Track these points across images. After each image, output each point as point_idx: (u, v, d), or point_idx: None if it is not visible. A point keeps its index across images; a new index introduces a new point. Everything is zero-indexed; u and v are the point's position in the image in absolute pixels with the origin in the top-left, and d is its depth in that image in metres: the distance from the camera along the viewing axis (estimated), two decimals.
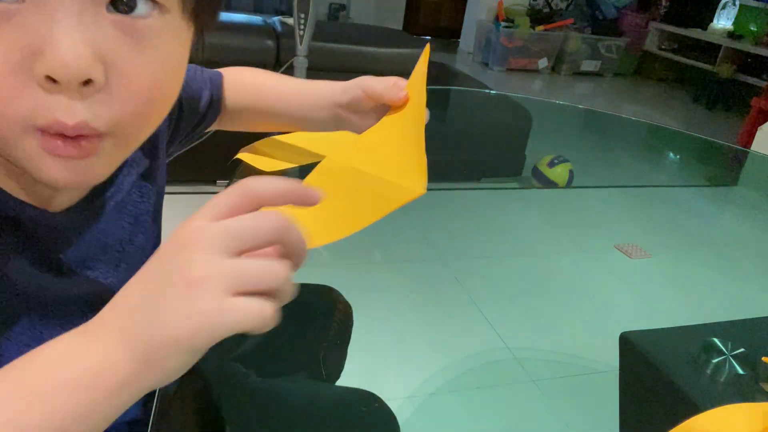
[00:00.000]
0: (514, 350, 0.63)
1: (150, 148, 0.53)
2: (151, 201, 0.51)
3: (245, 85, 0.69)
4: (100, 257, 0.45)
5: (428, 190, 0.47)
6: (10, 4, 0.30)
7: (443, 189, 1.05)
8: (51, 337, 0.36)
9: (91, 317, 0.36)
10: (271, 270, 0.30)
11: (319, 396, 0.52)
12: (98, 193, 0.44)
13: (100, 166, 0.36)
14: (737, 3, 5.36)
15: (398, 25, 6.57)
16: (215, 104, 0.67)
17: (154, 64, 0.35)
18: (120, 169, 0.47)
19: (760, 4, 5.18)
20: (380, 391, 0.53)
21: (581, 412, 0.57)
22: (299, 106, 0.66)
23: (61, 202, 0.41)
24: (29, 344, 0.41)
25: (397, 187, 0.51)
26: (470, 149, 1.35)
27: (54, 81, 0.31)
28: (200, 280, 0.29)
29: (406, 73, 0.57)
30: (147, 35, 0.34)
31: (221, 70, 0.71)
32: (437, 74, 2.63)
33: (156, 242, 0.55)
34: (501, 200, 1.08)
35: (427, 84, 0.56)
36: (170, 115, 0.56)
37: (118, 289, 0.36)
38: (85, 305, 0.44)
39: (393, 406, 0.52)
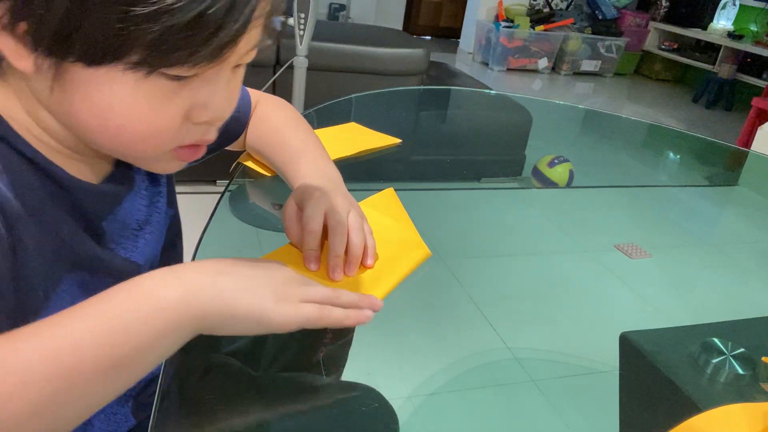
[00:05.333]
0: (514, 350, 0.63)
1: None
2: (162, 182, 0.60)
3: (265, 126, 0.75)
4: (122, 234, 0.54)
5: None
6: (188, 76, 0.41)
7: (443, 189, 1.05)
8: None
9: None
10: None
11: (319, 390, 0.53)
12: (124, 167, 0.54)
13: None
14: (737, 3, 5.35)
15: (398, 25, 6.57)
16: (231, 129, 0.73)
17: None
18: None
19: (760, 4, 5.17)
20: (380, 391, 0.54)
21: (581, 412, 0.57)
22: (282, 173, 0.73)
23: (98, 175, 0.51)
24: (72, 303, 0.47)
25: (407, 254, 0.63)
26: (470, 149, 1.35)
27: (206, 121, 0.45)
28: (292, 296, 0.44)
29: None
30: (240, 79, 0.48)
31: (257, 99, 0.76)
32: (437, 74, 2.63)
33: (172, 221, 0.63)
34: (501, 200, 1.08)
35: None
36: None
37: (142, 265, 0.55)
38: (119, 278, 0.51)
39: (393, 405, 0.52)
